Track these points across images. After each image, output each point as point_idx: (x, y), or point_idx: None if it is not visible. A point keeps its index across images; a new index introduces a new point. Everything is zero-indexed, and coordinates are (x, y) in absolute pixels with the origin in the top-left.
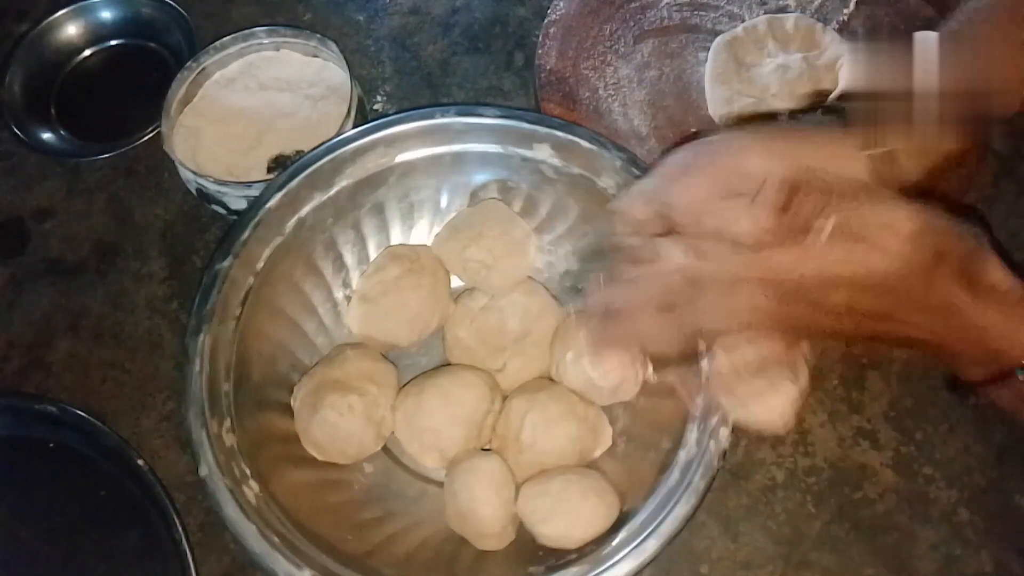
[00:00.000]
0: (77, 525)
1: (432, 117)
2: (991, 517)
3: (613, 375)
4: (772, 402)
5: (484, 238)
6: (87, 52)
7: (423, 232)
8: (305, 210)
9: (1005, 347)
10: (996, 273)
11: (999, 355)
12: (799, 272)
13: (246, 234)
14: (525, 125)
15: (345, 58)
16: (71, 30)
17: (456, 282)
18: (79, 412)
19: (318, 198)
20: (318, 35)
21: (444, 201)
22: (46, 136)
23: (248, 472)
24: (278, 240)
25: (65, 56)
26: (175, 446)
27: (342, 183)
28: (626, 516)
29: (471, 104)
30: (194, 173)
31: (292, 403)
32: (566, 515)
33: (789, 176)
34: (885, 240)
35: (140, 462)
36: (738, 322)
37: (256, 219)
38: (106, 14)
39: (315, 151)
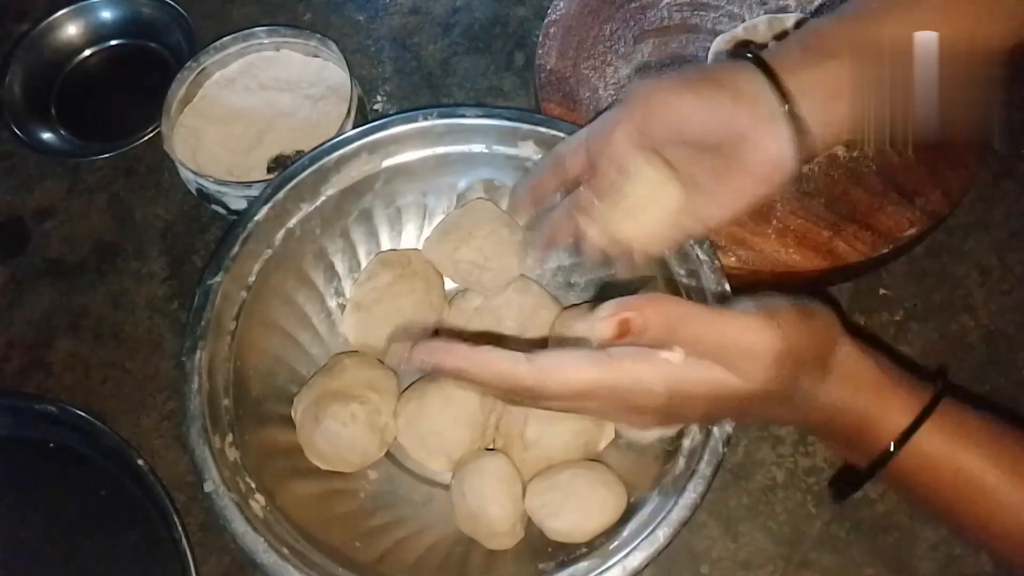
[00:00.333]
0: (77, 525)
1: (414, 121)
2: None
3: None
4: None
5: (474, 238)
6: (87, 52)
7: (412, 236)
8: (293, 221)
9: (874, 429)
10: (850, 360)
11: (870, 438)
12: (655, 387)
13: (235, 249)
14: (508, 123)
15: (345, 58)
16: (71, 30)
17: (450, 284)
18: (79, 412)
19: (305, 209)
20: (318, 35)
21: (431, 204)
22: (46, 136)
23: (253, 486)
24: (268, 253)
25: (65, 56)
26: (175, 446)
27: (328, 192)
28: (634, 507)
29: (453, 105)
30: (194, 173)
31: (293, 415)
32: (575, 508)
33: (619, 316)
34: (746, 366)
35: (140, 462)
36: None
37: (245, 233)
38: (106, 14)
39: (299, 162)
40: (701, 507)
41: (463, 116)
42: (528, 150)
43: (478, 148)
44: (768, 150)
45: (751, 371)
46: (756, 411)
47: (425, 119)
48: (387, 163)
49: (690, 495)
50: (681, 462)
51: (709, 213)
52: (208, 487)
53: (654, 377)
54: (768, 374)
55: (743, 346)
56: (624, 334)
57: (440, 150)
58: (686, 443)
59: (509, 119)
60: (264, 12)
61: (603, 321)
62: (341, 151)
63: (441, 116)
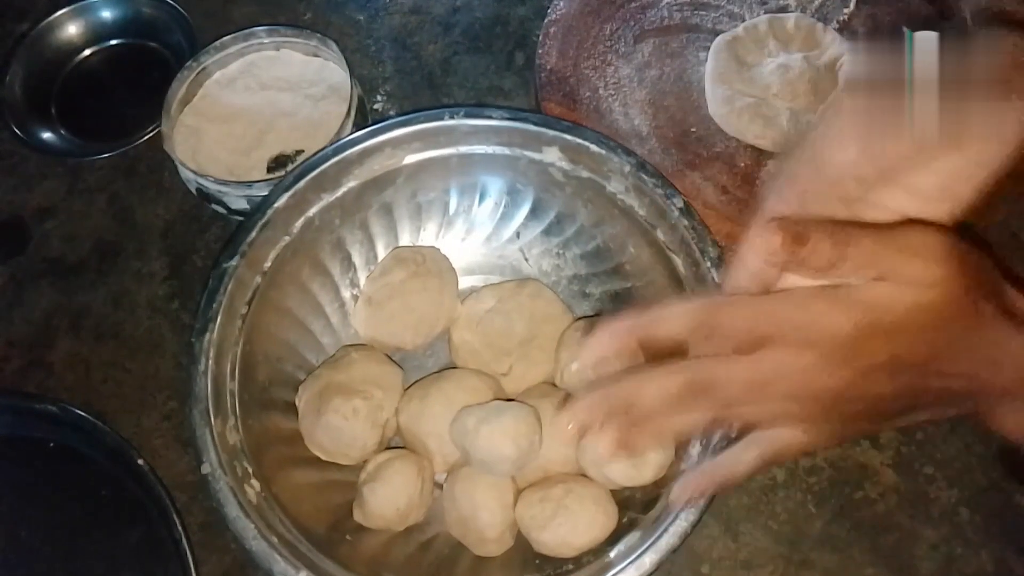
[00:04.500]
0: (77, 525)
1: (440, 119)
2: (991, 516)
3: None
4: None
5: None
6: (87, 52)
7: (432, 233)
8: (312, 211)
9: None
10: (1013, 294)
11: None
12: (830, 322)
13: (253, 235)
14: (533, 128)
15: (345, 58)
16: (71, 30)
17: (463, 284)
18: (79, 412)
19: (325, 199)
20: (318, 35)
21: (453, 202)
22: (46, 136)
23: (250, 471)
24: (285, 240)
25: (65, 56)
26: (176, 446)
27: (349, 184)
28: (625, 528)
29: (479, 106)
30: (194, 173)
31: (297, 403)
32: (564, 523)
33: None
34: (918, 267)
35: (140, 462)
36: (779, 406)
37: (263, 220)
38: (106, 14)
39: (322, 152)
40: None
41: (489, 117)
42: (552, 156)
43: (502, 150)
44: None
45: (925, 270)
46: (937, 345)
47: (451, 118)
48: (410, 159)
49: (681, 523)
50: (676, 487)
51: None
52: (205, 469)
53: (832, 303)
54: (937, 274)
55: (912, 243)
56: (797, 244)
57: (464, 149)
58: (684, 468)
59: (535, 123)
60: (264, 12)
61: (768, 228)
62: (364, 144)
63: (468, 116)
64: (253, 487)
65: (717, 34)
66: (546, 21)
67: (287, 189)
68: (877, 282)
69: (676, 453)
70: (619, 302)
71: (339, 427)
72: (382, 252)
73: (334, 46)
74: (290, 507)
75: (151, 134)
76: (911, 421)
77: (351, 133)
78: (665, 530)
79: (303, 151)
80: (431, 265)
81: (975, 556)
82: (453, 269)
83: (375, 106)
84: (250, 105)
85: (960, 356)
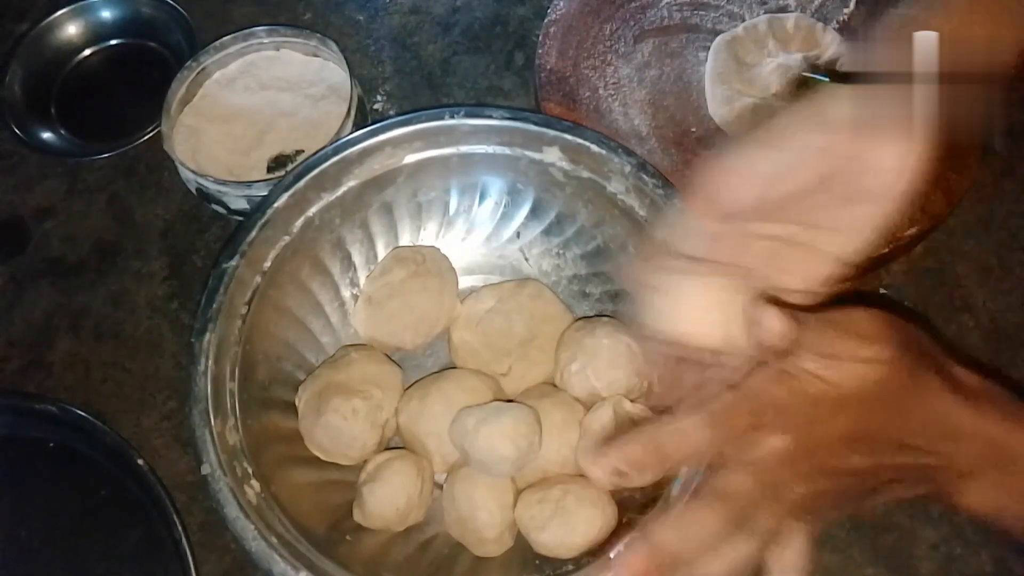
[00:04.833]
0: (77, 525)
1: (441, 118)
2: None
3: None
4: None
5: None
6: (87, 52)
7: (432, 233)
8: (312, 210)
9: (1011, 451)
10: (959, 369)
11: (1011, 463)
12: (785, 401)
13: (253, 234)
14: (533, 127)
15: (345, 58)
16: (71, 30)
17: (463, 283)
18: (79, 412)
19: (325, 198)
20: (318, 35)
21: (453, 202)
22: (46, 136)
23: (250, 471)
24: (285, 240)
25: (65, 56)
26: (175, 446)
27: (349, 183)
28: (624, 528)
29: (480, 105)
30: (194, 173)
31: (297, 403)
32: (562, 523)
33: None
34: (860, 349)
35: (140, 462)
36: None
37: (263, 219)
38: (106, 14)
39: (322, 152)
40: None
41: (490, 117)
42: (553, 156)
43: (502, 150)
44: (882, 161)
45: (869, 349)
46: (900, 421)
47: (452, 117)
48: (410, 159)
49: None
50: (677, 488)
51: (841, 250)
52: (205, 469)
53: (782, 383)
54: (886, 347)
55: (855, 325)
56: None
57: (464, 149)
58: (683, 470)
59: (536, 123)
60: (264, 12)
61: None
62: (365, 144)
63: (468, 115)
64: (253, 487)
65: (717, 34)
66: (546, 21)
67: (287, 189)
68: (828, 361)
69: None
70: (619, 302)
71: (339, 427)
72: (382, 251)
73: (334, 46)
74: (289, 507)
75: (151, 134)
76: (885, 498)
77: (351, 133)
78: None
79: (303, 151)
80: (431, 265)
81: (975, 556)
82: (453, 269)
83: (375, 106)
84: (250, 105)
85: (914, 430)
